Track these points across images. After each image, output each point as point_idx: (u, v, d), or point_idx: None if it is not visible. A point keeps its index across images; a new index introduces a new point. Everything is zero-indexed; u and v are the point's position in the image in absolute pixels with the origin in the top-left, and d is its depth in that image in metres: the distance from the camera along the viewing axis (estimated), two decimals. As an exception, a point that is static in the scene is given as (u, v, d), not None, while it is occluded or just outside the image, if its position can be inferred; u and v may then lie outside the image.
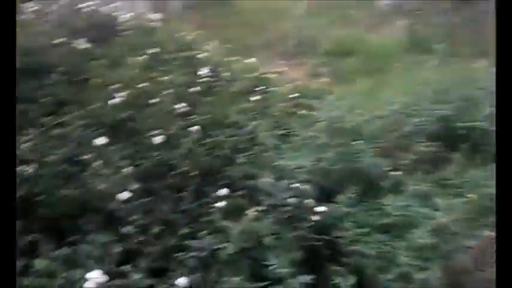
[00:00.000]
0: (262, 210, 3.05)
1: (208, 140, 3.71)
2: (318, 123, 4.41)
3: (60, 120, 3.43)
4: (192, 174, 3.37)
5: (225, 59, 5.92)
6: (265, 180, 3.30)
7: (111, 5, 5.84)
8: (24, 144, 3.05)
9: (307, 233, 3.01)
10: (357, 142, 3.84)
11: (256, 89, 5.27)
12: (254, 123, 4.13)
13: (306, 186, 3.29)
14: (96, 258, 2.44)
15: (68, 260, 2.41)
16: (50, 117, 3.48)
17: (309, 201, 3.18)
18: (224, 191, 3.21)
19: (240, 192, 3.25)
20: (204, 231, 2.81)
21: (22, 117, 3.38)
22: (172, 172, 3.35)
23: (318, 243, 2.99)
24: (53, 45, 4.31)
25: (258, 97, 4.89)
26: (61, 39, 4.43)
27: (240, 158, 3.63)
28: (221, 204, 3.03)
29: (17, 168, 2.83)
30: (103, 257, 2.44)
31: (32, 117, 3.44)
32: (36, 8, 4.96)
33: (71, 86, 4.01)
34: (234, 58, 6.33)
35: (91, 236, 2.60)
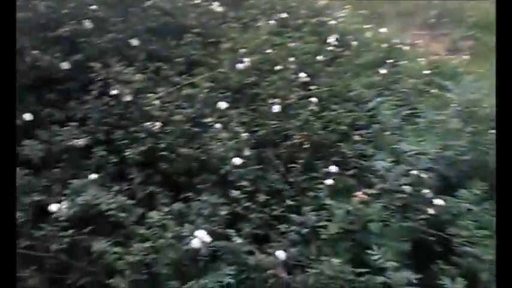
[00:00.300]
0: (372, 194, 2.93)
1: (325, 113, 3.64)
2: (450, 106, 4.03)
3: (189, 81, 3.62)
4: (305, 146, 3.36)
5: (356, 27, 5.67)
6: (381, 162, 3.14)
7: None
8: (154, 101, 3.29)
9: (419, 225, 2.82)
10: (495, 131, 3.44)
11: (386, 61, 4.98)
12: (378, 99, 3.92)
13: (426, 175, 3.06)
14: (205, 217, 2.59)
15: (179, 215, 2.59)
16: (180, 77, 3.70)
17: (427, 192, 2.95)
18: (334, 168, 3.15)
19: (350, 172, 3.16)
20: (309, 207, 2.80)
21: (156, 75, 3.65)
22: (286, 142, 3.37)
23: (430, 238, 2.80)
24: (191, 6, 4.49)
25: (385, 71, 4.62)
26: (198, 1, 4.61)
27: (356, 136, 3.51)
28: (329, 181, 2.98)
29: (146, 124, 3.10)
30: (211, 217, 2.57)
31: (165, 75, 3.67)
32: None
33: (203, 48, 4.19)
34: (365, 26, 6.02)
35: (203, 195, 2.75)
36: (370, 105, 3.85)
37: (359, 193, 2.87)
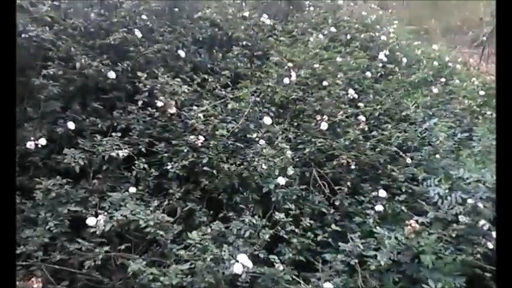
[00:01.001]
0: (424, 223, 2.73)
1: (375, 133, 3.46)
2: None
3: (234, 95, 3.53)
4: (352, 167, 3.19)
5: (406, 43, 5.46)
6: (435, 188, 2.93)
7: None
8: (199, 114, 3.21)
9: (475, 259, 2.59)
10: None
11: (437, 80, 4.76)
12: (433, 121, 3.69)
13: (484, 205, 2.82)
14: (246, 239, 2.46)
15: (219, 235, 2.48)
16: (225, 90, 3.62)
17: (484, 224, 2.72)
18: (383, 193, 2.96)
19: (401, 197, 2.96)
20: (355, 234, 2.62)
21: (201, 87, 3.59)
22: (332, 162, 3.21)
23: (486, 273, 2.57)
24: (240, 18, 4.42)
25: (437, 90, 4.40)
26: (247, 13, 4.54)
27: (408, 158, 3.31)
28: (378, 207, 2.80)
29: (189, 137, 3.01)
30: (251, 239, 2.45)
31: (210, 88, 3.60)
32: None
33: (250, 61, 4.10)
34: (416, 43, 5.80)
35: (243, 215, 2.63)
36: (423, 126, 3.64)
37: (411, 221, 2.67)
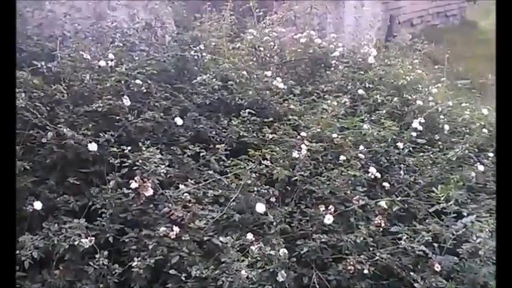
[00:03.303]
0: None
1: (396, 228, 2.80)
2: None
3: (229, 173, 3.04)
4: (364, 272, 2.55)
5: (451, 106, 4.72)
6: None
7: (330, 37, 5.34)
8: (180, 196, 2.74)
9: None
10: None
11: (485, 153, 4.00)
12: (470, 218, 2.89)
13: None
14: None
15: None
16: (222, 165, 3.16)
17: None
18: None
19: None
20: None
21: (195, 160, 3.14)
22: (338, 266, 2.58)
23: None
24: (246, 80, 4.00)
25: (483, 167, 3.63)
26: (258, 73, 4.12)
27: (436, 264, 2.61)
28: None
29: (161, 228, 2.53)
30: None
31: (204, 162, 3.15)
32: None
33: (258, 129, 3.61)
34: (464, 104, 5.04)
35: None
36: (461, 221, 2.87)
37: None
